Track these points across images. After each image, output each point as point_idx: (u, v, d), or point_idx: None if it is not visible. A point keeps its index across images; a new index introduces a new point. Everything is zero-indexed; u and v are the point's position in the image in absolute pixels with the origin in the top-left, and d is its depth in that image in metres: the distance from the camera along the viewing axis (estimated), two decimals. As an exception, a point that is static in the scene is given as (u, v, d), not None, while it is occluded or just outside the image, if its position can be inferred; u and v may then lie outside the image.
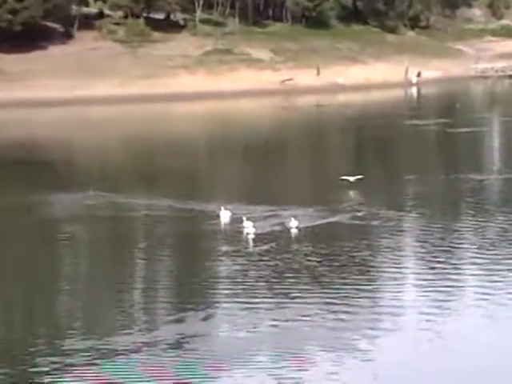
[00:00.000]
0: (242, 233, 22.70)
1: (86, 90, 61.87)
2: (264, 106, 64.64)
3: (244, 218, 23.02)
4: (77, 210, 26.33)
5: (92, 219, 25.40)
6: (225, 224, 23.92)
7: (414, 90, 72.00)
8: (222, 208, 24.43)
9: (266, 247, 21.29)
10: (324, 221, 23.92)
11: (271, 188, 29.11)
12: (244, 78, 68.48)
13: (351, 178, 27.00)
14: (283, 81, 68.80)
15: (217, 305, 17.44)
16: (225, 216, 24.22)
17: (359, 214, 24.72)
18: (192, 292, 18.25)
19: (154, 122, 55.70)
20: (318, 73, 70.54)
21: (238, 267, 19.75)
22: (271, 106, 64.02)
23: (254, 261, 20.19)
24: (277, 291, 17.95)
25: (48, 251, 22.33)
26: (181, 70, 68.93)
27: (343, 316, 16.37)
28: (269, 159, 36.91)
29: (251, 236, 22.34)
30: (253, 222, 22.89)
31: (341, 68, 72.52)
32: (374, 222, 23.85)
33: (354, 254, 20.65)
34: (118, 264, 20.72)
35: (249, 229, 22.59)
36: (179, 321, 16.38)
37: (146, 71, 67.10)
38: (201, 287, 18.52)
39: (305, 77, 68.80)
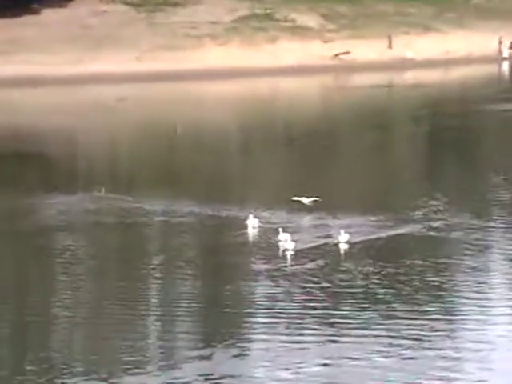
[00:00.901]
0: (277, 247, 22.77)
1: (89, 65, 62.48)
2: (312, 87, 64.71)
3: (280, 230, 23.11)
4: (78, 216, 26.64)
5: (96, 227, 25.67)
6: (253, 235, 24.03)
7: (505, 65, 71.48)
8: (251, 216, 24.58)
9: (309, 266, 21.33)
10: (386, 233, 23.86)
11: (315, 191, 29.05)
12: (287, 51, 68.67)
13: (305, 200, 26.51)
14: (337, 54, 68.89)
15: (252, 338, 17.50)
16: (253, 225, 24.39)
17: (434, 224, 24.64)
18: (220, 321, 18.34)
19: (175, 106, 56.07)
20: (390, 45, 70.58)
21: (276, 291, 19.80)
22: (321, 86, 64.07)
23: (296, 283, 20.23)
24: (326, 322, 17.95)
25: (42, 268, 22.56)
26: (208, 41, 69.35)
27: (411, 357, 16.27)
28: (315, 155, 36.95)
29: (290, 252, 22.39)
30: (291, 234, 22.99)
31: (410, 38, 72.40)
32: (454, 235, 23.78)
33: (426, 276, 20.56)
34: (128, 285, 20.88)
35: (287, 243, 22.69)
36: (205, 358, 16.46)
37: (165, 42, 67.62)
38: (231, 316, 18.61)
39: (364, 49, 68.78)
